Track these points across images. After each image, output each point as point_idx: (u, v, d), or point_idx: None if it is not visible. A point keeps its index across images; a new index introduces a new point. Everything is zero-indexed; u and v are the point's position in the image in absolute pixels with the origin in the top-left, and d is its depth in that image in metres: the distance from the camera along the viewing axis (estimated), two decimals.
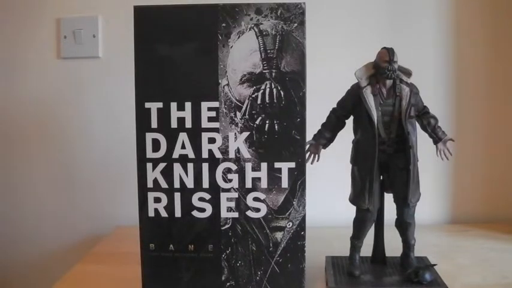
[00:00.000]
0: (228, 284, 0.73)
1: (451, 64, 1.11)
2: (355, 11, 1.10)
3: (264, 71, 0.69)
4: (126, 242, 0.94)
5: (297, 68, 0.69)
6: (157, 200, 0.72)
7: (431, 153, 0.76)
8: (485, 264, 0.86)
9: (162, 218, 0.72)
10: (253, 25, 0.69)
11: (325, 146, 0.79)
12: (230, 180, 0.71)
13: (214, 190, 0.71)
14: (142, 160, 0.71)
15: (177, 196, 0.71)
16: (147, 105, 0.70)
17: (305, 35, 0.69)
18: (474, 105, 1.11)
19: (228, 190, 0.71)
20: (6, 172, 1.17)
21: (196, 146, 0.71)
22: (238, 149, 0.71)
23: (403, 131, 0.74)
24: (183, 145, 0.71)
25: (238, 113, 0.70)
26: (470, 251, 0.93)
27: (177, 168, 0.71)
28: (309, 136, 0.75)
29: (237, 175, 0.71)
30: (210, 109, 0.70)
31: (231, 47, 0.69)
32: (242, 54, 0.69)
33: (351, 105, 0.76)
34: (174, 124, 0.71)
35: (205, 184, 0.71)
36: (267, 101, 0.70)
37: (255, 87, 0.70)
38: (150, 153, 0.71)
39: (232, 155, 0.71)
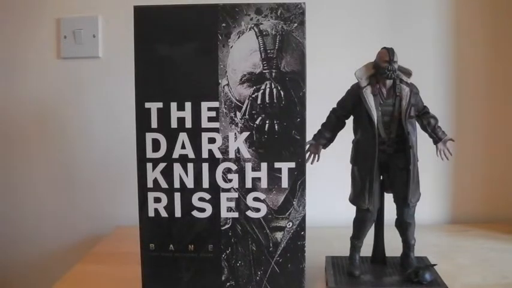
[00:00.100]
0: (228, 284, 0.73)
1: (451, 64, 1.11)
2: (355, 11, 1.10)
3: (264, 71, 0.69)
4: (126, 242, 0.94)
5: (297, 68, 0.69)
6: (157, 200, 0.72)
7: (431, 153, 0.76)
8: (485, 264, 0.86)
9: (162, 218, 0.72)
10: (253, 25, 0.69)
11: (325, 146, 0.79)
12: (230, 180, 0.71)
13: (214, 190, 0.71)
14: (142, 160, 0.71)
15: (177, 196, 0.71)
16: (147, 105, 0.70)
17: (305, 35, 0.69)
18: (474, 105, 1.11)
19: (228, 190, 0.71)
20: (6, 172, 1.17)
21: (196, 146, 0.71)
22: (238, 149, 0.71)
23: (403, 131, 0.74)
24: (183, 145, 0.71)
25: (238, 113, 0.70)
26: (470, 251, 0.93)
27: (177, 168, 0.71)
28: (309, 136, 0.75)
29: (237, 175, 0.71)
30: (210, 109, 0.70)
31: (231, 47, 0.69)
32: (242, 54, 0.69)
33: (351, 105, 0.76)
34: (174, 124, 0.71)
35: (205, 184, 0.71)
36: (267, 101, 0.70)
37: (255, 87, 0.70)
38: (150, 153, 0.71)
39: (232, 155, 0.71)
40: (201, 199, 0.71)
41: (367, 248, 0.80)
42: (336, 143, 0.79)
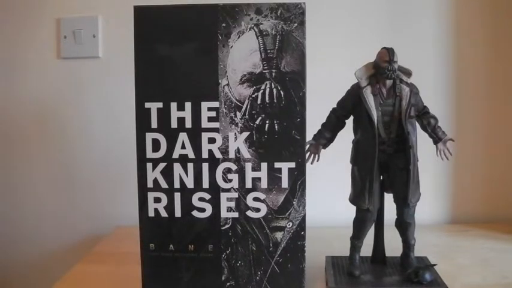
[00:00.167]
0: (228, 284, 0.73)
1: (451, 64, 1.11)
2: (355, 11, 1.10)
3: (264, 71, 0.69)
4: (126, 242, 0.94)
5: (297, 68, 0.69)
6: (157, 200, 0.72)
7: (431, 153, 0.76)
8: (485, 264, 0.86)
9: (162, 218, 0.72)
10: (253, 25, 0.69)
11: (325, 146, 0.79)
12: (230, 180, 0.71)
13: (214, 190, 0.71)
14: (142, 160, 0.71)
15: (177, 196, 0.71)
16: (147, 105, 0.70)
17: (305, 35, 0.69)
18: (474, 105, 1.11)
19: (228, 190, 0.71)
20: (6, 172, 1.17)
21: (196, 146, 0.71)
22: (238, 149, 0.71)
23: (403, 131, 0.74)
24: (183, 145, 0.71)
25: (238, 113, 0.70)
26: (470, 251, 0.93)
27: (177, 168, 0.71)
28: (309, 136, 0.75)
29: (237, 175, 0.71)
30: (210, 109, 0.70)
31: (231, 47, 0.69)
32: (242, 54, 0.69)
33: (351, 105, 0.76)
34: (174, 124, 0.70)
35: (205, 184, 0.71)
36: (267, 101, 0.70)
37: (255, 87, 0.70)
38: (150, 153, 0.71)
39: (232, 155, 0.71)
40: (201, 199, 0.71)
41: (367, 248, 0.80)
42: (336, 143, 0.79)
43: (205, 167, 0.71)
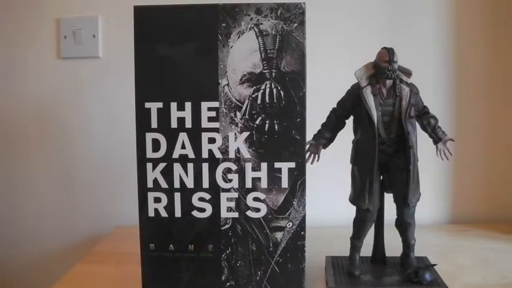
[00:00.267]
0: (228, 284, 0.73)
1: (451, 64, 1.11)
2: (355, 11, 1.10)
3: (264, 71, 0.69)
4: (126, 242, 0.94)
5: (297, 68, 0.69)
6: (157, 200, 0.72)
7: (431, 153, 0.76)
8: (485, 264, 0.86)
9: (162, 218, 0.72)
10: (253, 25, 0.69)
11: (325, 146, 0.79)
12: (230, 180, 0.71)
13: (214, 190, 0.71)
14: (142, 160, 0.71)
15: (177, 196, 0.71)
16: (147, 105, 0.70)
17: (305, 35, 0.69)
18: (474, 105, 1.11)
19: (228, 190, 0.71)
20: (6, 172, 1.17)
21: (196, 146, 0.71)
22: (238, 149, 0.71)
23: (403, 131, 0.74)
24: (183, 145, 0.71)
25: (238, 113, 0.70)
26: (470, 251, 0.93)
27: (177, 168, 0.71)
28: (309, 136, 0.75)
29: (237, 175, 0.71)
30: (210, 109, 0.70)
31: (231, 47, 0.69)
32: (242, 54, 0.69)
33: (351, 105, 0.76)
34: (174, 124, 0.70)
35: (205, 184, 0.71)
36: (267, 101, 0.70)
37: (255, 87, 0.70)
38: (150, 153, 0.71)
39: (232, 155, 0.71)
40: (201, 199, 0.71)
41: (367, 248, 0.80)
42: (336, 143, 0.79)
43: (205, 167, 0.71)
